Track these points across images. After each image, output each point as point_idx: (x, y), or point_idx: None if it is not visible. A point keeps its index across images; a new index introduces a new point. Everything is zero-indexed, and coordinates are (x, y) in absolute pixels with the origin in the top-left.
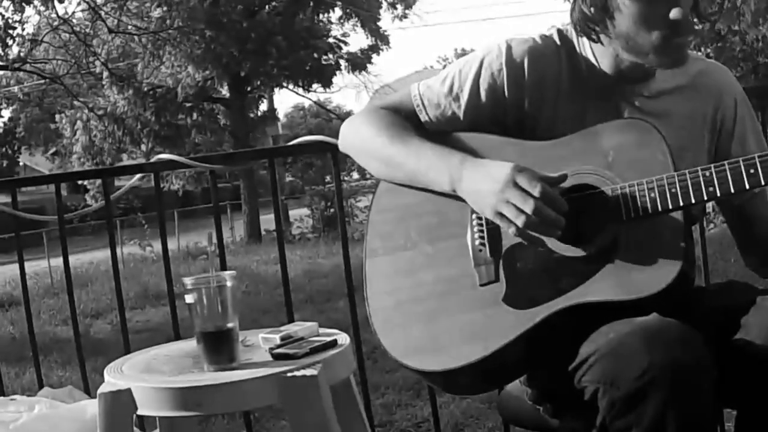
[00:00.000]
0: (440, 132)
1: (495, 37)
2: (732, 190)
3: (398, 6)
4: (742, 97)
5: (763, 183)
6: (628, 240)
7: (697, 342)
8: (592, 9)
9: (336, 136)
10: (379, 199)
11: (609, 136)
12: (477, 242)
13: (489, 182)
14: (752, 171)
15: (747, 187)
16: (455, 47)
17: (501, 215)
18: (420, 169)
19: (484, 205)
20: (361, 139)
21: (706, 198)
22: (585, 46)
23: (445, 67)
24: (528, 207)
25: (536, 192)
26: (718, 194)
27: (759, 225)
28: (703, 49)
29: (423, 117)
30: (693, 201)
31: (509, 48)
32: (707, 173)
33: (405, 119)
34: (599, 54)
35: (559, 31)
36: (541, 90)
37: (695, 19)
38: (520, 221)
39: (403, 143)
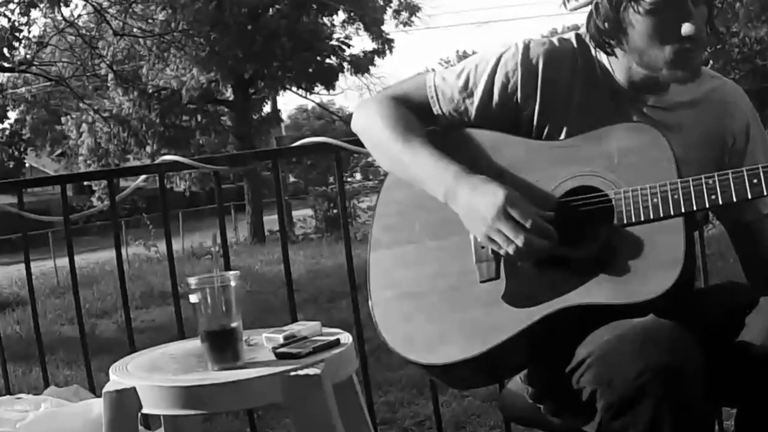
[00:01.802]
0: (449, 126)
1: (496, 40)
2: (734, 199)
3: (402, 12)
4: (754, 116)
5: (765, 193)
6: (628, 244)
7: (691, 344)
8: (606, 24)
9: (339, 138)
10: (386, 192)
11: (615, 139)
12: (479, 239)
13: (481, 208)
14: (755, 181)
15: (749, 196)
16: (457, 50)
17: (492, 241)
18: (418, 176)
19: (475, 229)
20: (371, 129)
21: (708, 206)
22: (601, 54)
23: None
24: (519, 240)
25: (528, 224)
26: (720, 202)
27: (765, 244)
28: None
29: (436, 109)
30: (695, 208)
31: (526, 48)
32: (710, 181)
33: (415, 111)
34: (614, 64)
35: (578, 36)
36: (554, 92)
37: (709, 31)
38: (510, 249)
39: (406, 144)
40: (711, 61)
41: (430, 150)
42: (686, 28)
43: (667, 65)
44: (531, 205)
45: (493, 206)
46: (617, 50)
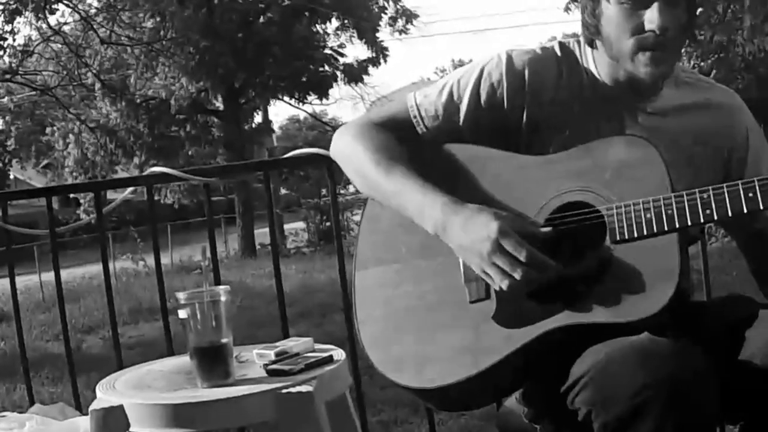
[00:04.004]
0: (434, 143)
1: (492, 48)
2: (729, 214)
3: (398, 20)
4: (753, 125)
5: (761, 207)
6: (622, 260)
7: (692, 359)
8: (586, 15)
9: None
10: (370, 209)
11: (607, 153)
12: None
13: (475, 242)
14: (751, 195)
15: (745, 210)
16: (453, 58)
17: (486, 274)
18: (403, 207)
19: (470, 261)
20: (351, 157)
21: (702, 221)
22: (588, 58)
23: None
24: (517, 274)
25: (523, 257)
26: (715, 217)
27: None
28: (703, 60)
29: (420, 128)
30: (689, 223)
31: (509, 58)
32: (705, 195)
33: (399, 133)
34: (601, 65)
35: (561, 44)
36: (541, 101)
37: (689, 37)
38: (504, 284)
39: (388, 175)
40: (714, 70)
41: (413, 180)
42: (649, 21)
43: (631, 57)
44: (529, 227)
45: (487, 240)
46: (600, 45)
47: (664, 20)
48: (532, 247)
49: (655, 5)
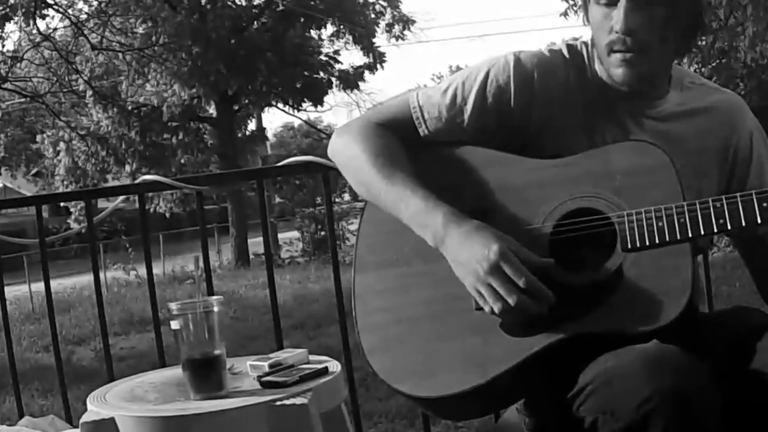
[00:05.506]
0: (440, 145)
1: (490, 55)
2: (743, 224)
3: (395, 26)
4: (758, 130)
5: None
6: (633, 269)
7: (700, 369)
8: (584, 21)
9: (327, 157)
10: (371, 210)
11: (617, 159)
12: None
13: (473, 260)
14: (765, 204)
15: (759, 221)
16: (450, 64)
17: (480, 294)
18: (402, 215)
19: (464, 279)
20: (350, 158)
21: (716, 230)
22: (595, 60)
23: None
24: (511, 299)
25: (522, 283)
26: (729, 227)
27: None
28: (704, 66)
29: (422, 130)
30: (702, 233)
31: (518, 60)
32: (718, 204)
33: (401, 135)
34: (602, 69)
35: (569, 46)
36: (549, 103)
37: (676, 42)
38: (497, 307)
39: (389, 181)
40: (715, 77)
41: (414, 187)
42: (615, 22)
43: (606, 59)
44: (530, 256)
45: (485, 260)
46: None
47: (628, 22)
48: (531, 275)
49: (621, 5)
